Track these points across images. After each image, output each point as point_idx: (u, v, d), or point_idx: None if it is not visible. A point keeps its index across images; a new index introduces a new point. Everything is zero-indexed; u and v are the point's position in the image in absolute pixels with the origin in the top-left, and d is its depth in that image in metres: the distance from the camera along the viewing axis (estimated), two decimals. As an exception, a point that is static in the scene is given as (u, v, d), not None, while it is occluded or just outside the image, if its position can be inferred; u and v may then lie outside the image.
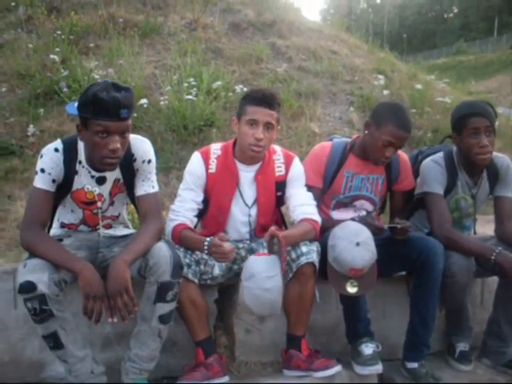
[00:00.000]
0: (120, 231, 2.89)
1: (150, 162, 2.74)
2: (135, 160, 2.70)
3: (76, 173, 2.62)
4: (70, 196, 2.68)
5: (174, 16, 7.74)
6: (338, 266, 2.71)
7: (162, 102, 5.48)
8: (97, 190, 2.68)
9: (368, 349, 2.86)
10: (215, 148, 3.03)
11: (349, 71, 7.56)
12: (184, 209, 2.91)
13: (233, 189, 2.98)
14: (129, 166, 2.70)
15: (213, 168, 2.97)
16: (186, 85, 5.58)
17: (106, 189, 2.71)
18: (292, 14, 9.16)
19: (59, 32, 6.43)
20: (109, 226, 2.86)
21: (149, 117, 5.43)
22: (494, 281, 3.26)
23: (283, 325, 2.89)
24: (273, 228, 2.71)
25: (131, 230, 2.96)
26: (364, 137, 3.16)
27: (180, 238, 2.82)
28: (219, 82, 5.76)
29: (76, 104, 2.58)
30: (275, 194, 3.04)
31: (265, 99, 2.84)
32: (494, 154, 3.13)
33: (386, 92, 6.94)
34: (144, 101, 5.31)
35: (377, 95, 6.84)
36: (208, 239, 2.69)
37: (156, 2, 8.03)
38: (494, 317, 3.14)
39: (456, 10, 64.57)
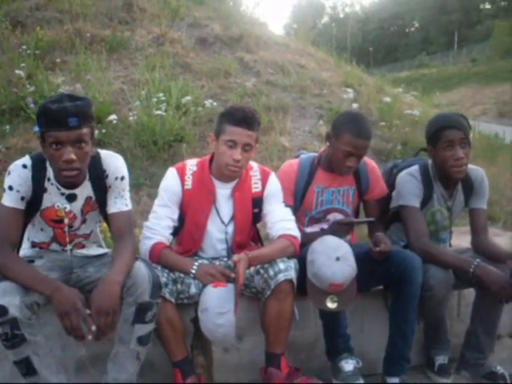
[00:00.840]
0: (94, 250, 2.81)
1: (122, 178, 2.67)
2: (107, 176, 2.63)
3: (45, 190, 2.54)
4: (39, 214, 2.59)
5: (141, 31, 7.69)
6: (318, 281, 2.67)
7: (130, 118, 5.41)
8: (67, 207, 2.60)
9: (348, 365, 2.83)
10: (191, 164, 2.97)
11: (317, 85, 7.58)
12: (160, 226, 2.84)
13: (209, 205, 2.92)
14: (101, 183, 2.63)
15: (189, 184, 2.90)
16: (155, 100, 5.52)
17: (77, 206, 2.62)
18: (258, 29, 9.18)
19: (24, 47, 6.32)
20: (81, 246, 2.77)
21: (118, 133, 5.35)
22: (470, 293, 3.26)
23: (262, 343, 2.82)
24: (235, 257, 2.65)
25: (105, 250, 2.87)
26: (327, 149, 3.16)
27: (160, 257, 2.76)
28: (188, 97, 5.72)
29: None
30: (252, 211, 2.99)
31: (245, 120, 2.77)
32: (469, 166, 3.14)
33: (354, 105, 6.96)
34: (113, 117, 5.24)
35: (345, 108, 6.83)
36: (196, 264, 2.78)
37: (123, 16, 7.96)
38: (472, 329, 3.13)
39: (417, 25, 65.77)
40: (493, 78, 31.12)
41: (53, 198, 2.57)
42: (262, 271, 2.75)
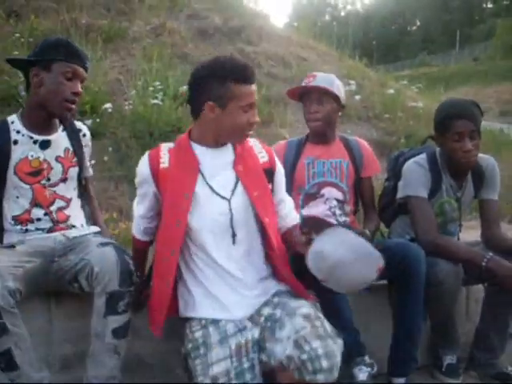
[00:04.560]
0: (76, 231, 2.62)
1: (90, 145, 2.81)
2: (84, 136, 2.74)
3: (15, 142, 2.50)
4: (13, 172, 2.49)
5: (139, 21, 7.53)
6: None
7: (126, 107, 5.24)
8: (41, 156, 2.54)
9: (362, 373, 2.62)
10: (166, 144, 2.36)
11: (319, 78, 7.42)
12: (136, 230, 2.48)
13: (192, 184, 2.24)
14: (78, 139, 2.68)
15: (165, 162, 2.27)
16: (151, 89, 5.35)
17: (51, 155, 2.57)
18: (260, 21, 9.03)
19: (18, 35, 6.14)
20: (64, 217, 2.61)
21: (113, 123, 5.17)
22: (479, 289, 3.12)
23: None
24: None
25: (85, 230, 2.67)
26: None
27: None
28: (186, 87, 5.53)
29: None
30: (267, 184, 2.38)
31: (253, 73, 2.24)
32: (480, 155, 2.98)
33: (357, 97, 6.82)
34: (108, 105, 5.05)
35: (348, 101, 6.68)
36: None
37: (121, 7, 7.81)
38: (482, 327, 2.97)
39: (419, 23, 65.60)
40: (495, 77, 30.93)
41: (25, 148, 2.51)
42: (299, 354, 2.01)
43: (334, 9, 74.10)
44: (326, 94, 3.03)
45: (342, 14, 73.92)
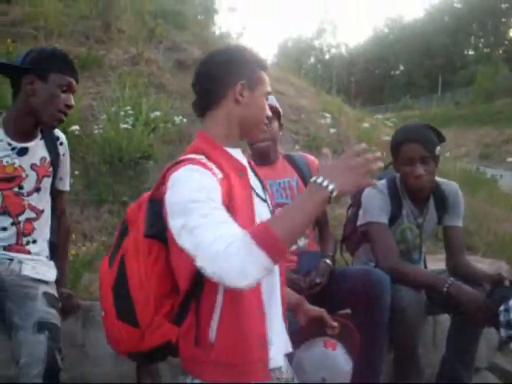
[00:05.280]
0: (30, 269, 2.42)
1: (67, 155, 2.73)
2: (62, 144, 2.65)
3: None
4: None
5: (117, 50, 7.52)
6: None
7: (96, 131, 5.15)
8: (17, 162, 2.45)
9: None
10: (196, 157, 1.86)
11: (295, 111, 7.42)
12: (230, 227, 1.65)
13: (248, 189, 1.90)
14: (54, 146, 2.60)
15: (217, 172, 1.80)
16: (122, 113, 5.27)
17: (27, 162, 2.48)
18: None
19: (-8, 58, 6.09)
20: (31, 229, 2.49)
21: (82, 147, 5.09)
22: (446, 319, 3.04)
23: None
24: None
25: (40, 275, 2.45)
26: None
27: (277, 234, 1.56)
28: (158, 113, 5.48)
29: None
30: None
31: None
32: (442, 180, 2.93)
33: (332, 131, 6.79)
34: (75, 127, 4.94)
35: (323, 134, 6.69)
36: None
37: (100, 36, 7.81)
38: (447, 358, 2.89)
39: (402, 68, 66.72)
40: (475, 121, 31.39)
41: (0, 154, 2.43)
42: None
43: (318, 52, 75.10)
44: (272, 113, 2.91)
45: (327, 56, 74.96)
